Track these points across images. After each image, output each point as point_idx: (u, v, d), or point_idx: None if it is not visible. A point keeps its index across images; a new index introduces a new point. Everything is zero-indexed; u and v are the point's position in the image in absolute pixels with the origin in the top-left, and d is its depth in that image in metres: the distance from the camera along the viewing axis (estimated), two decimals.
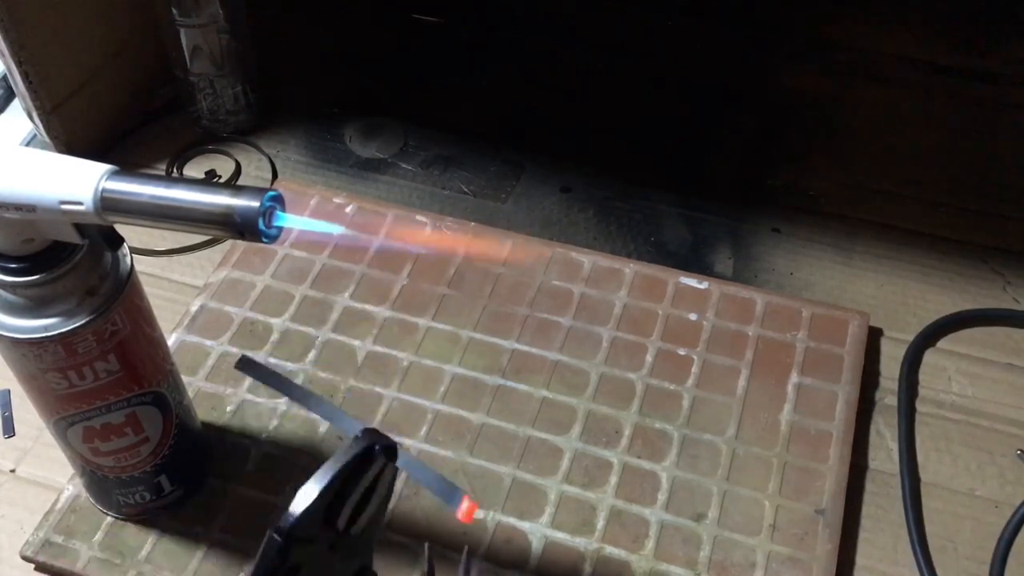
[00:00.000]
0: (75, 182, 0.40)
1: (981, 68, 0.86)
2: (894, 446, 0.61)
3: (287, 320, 0.65)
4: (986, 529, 0.57)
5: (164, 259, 0.71)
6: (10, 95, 0.81)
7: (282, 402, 0.61)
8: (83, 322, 0.45)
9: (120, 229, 0.45)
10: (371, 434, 0.37)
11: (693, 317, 0.66)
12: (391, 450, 0.37)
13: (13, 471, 0.60)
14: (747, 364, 0.63)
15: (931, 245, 0.73)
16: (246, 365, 0.41)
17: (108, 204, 0.40)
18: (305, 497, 0.34)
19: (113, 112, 0.80)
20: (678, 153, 0.81)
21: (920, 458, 0.60)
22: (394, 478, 0.39)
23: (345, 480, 0.36)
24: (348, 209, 0.72)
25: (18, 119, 0.78)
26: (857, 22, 0.89)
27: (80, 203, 0.40)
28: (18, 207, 0.40)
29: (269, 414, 0.61)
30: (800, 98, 0.85)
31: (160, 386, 0.51)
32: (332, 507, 0.36)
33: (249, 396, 0.61)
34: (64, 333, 0.45)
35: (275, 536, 0.34)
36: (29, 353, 0.45)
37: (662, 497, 0.57)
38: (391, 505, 0.42)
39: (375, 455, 0.37)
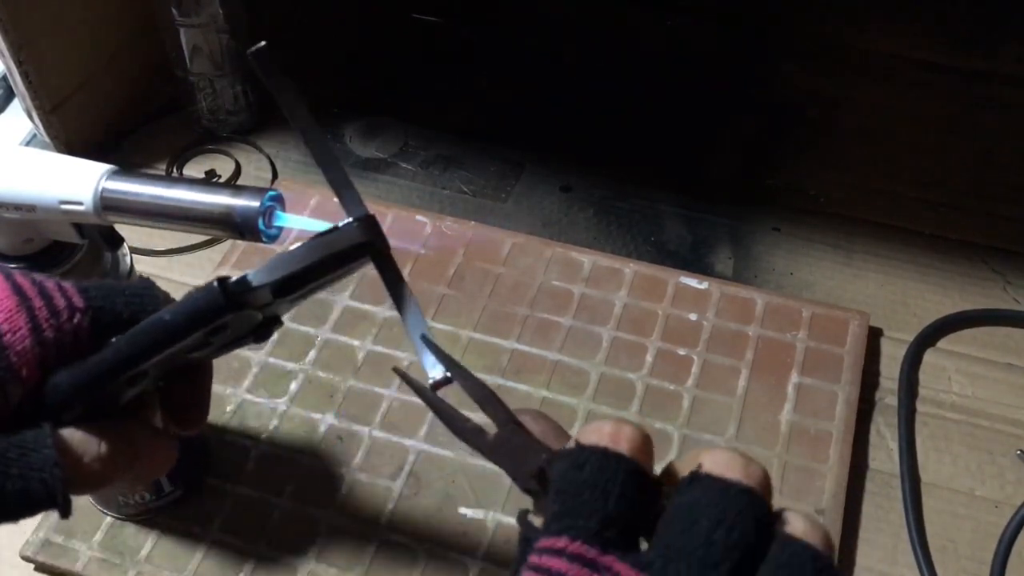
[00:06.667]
0: (75, 182, 0.40)
1: (981, 68, 0.86)
2: (894, 446, 0.61)
3: (287, 320, 0.65)
4: (986, 529, 0.57)
5: (164, 259, 0.71)
6: (10, 95, 0.81)
7: (282, 402, 0.61)
8: None
9: (120, 229, 0.46)
10: (368, 228, 0.32)
11: (693, 317, 0.66)
12: (378, 252, 0.33)
13: None
14: (747, 364, 0.63)
15: (931, 245, 0.73)
16: (259, 57, 0.33)
17: (108, 204, 0.40)
18: (270, 270, 0.31)
19: (113, 112, 0.80)
20: (678, 153, 0.81)
21: (920, 458, 0.60)
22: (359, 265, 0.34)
23: (318, 268, 0.32)
24: None
25: (18, 119, 0.78)
26: (857, 22, 0.89)
27: (80, 203, 0.40)
28: (18, 207, 0.40)
29: (269, 414, 0.61)
30: (800, 98, 0.85)
31: None
32: (287, 285, 0.32)
33: (249, 396, 0.61)
34: None
35: (218, 294, 0.30)
36: None
37: None
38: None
39: (362, 254, 0.33)
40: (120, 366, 0.31)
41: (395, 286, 0.33)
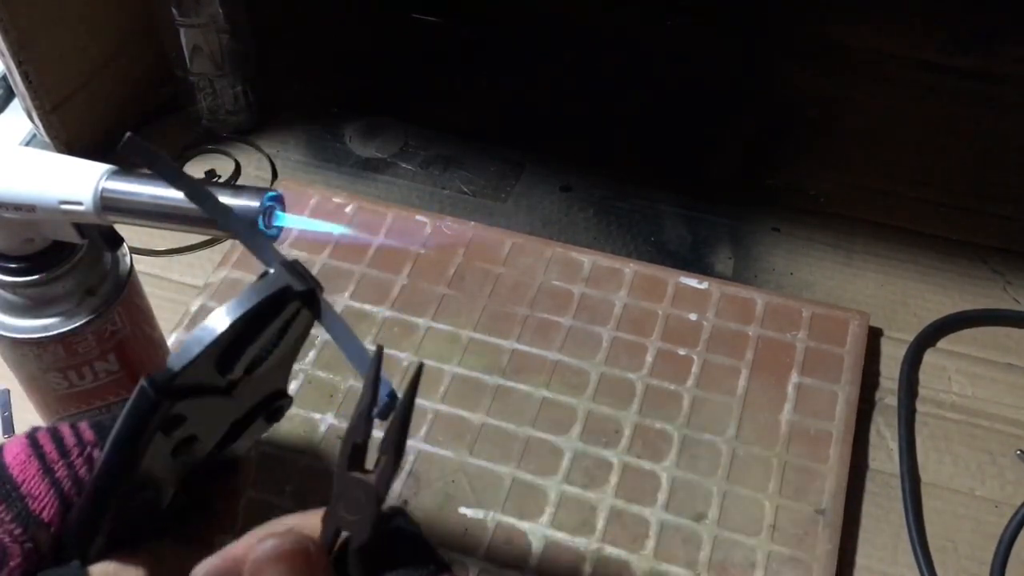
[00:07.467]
0: (75, 182, 0.40)
1: (981, 68, 0.86)
2: (894, 446, 0.61)
3: None
4: (986, 529, 0.57)
5: (164, 259, 0.71)
6: (10, 95, 0.81)
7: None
8: (83, 322, 0.45)
9: (120, 229, 0.45)
10: (289, 270, 0.30)
11: (693, 317, 0.66)
12: (310, 295, 0.31)
13: None
14: (747, 364, 0.63)
15: (931, 245, 0.73)
16: (132, 147, 0.32)
17: (108, 204, 0.40)
18: (190, 348, 0.28)
19: (113, 112, 0.80)
20: (678, 153, 0.81)
21: (920, 458, 0.60)
22: (312, 321, 0.33)
23: (248, 324, 0.29)
24: (348, 209, 0.72)
25: (18, 119, 0.78)
26: (857, 22, 0.89)
27: (80, 203, 0.40)
28: (18, 207, 0.40)
29: None
30: (800, 98, 0.85)
31: None
32: (228, 354, 0.29)
33: None
34: (64, 333, 0.45)
35: (146, 388, 0.28)
36: (29, 353, 0.45)
37: (662, 497, 0.57)
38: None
39: (289, 299, 0.30)
40: (96, 490, 0.31)
41: (334, 326, 0.32)
